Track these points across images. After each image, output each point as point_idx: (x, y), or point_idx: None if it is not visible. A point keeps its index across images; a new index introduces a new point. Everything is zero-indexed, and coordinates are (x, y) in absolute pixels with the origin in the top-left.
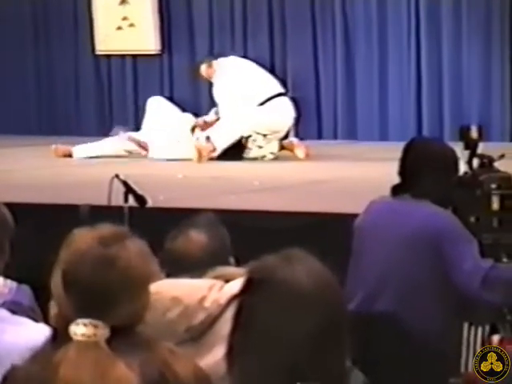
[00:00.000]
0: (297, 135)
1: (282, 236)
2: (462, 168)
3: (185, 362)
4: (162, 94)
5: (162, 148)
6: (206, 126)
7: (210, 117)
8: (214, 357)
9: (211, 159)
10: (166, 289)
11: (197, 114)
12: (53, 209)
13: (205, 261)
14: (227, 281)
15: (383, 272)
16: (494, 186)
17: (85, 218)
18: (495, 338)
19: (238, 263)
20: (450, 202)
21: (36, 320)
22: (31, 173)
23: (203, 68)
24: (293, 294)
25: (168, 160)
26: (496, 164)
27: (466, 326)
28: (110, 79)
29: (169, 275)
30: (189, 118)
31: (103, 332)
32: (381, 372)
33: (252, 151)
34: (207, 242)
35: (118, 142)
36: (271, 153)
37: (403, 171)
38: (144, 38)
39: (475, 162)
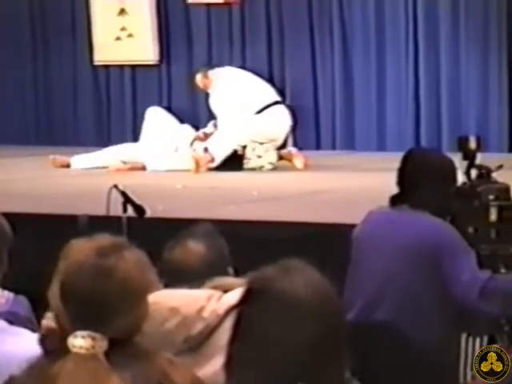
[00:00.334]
0: (295, 145)
1: (280, 246)
2: (460, 178)
3: (183, 372)
4: (160, 104)
5: (161, 158)
6: (206, 138)
7: (209, 129)
8: (212, 367)
9: (210, 169)
10: (164, 299)
11: (195, 126)
12: (51, 219)
13: (203, 271)
14: (226, 291)
15: (381, 282)
16: (491, 197)
17: (83, 228)
18: None
19: (237, 273)
20: (448, 213)
21: (33, 330)
22: (29, 183)
23: (198, 78)
24: (291, 304)
25: (166, 170)
26: (494, 175)
27: (463, 336)
28: (108, 89)
29: (167, 285)
30: (187, 129)
31: (101, 344)
32: (379, 383)
33: (251, 161)
34: (205, 253)
35: (115, 153)
36: (270, 163)
37: (401, 181)
38: (142, 48)
39: (473, 173)
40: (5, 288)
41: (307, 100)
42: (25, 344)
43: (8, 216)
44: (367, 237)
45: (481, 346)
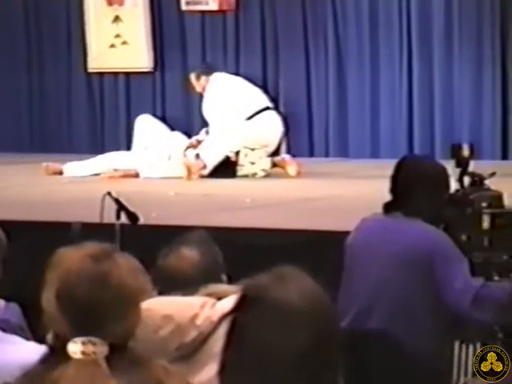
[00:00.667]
0: (288, 152)
1: (273, 253)
2: (453, 186)
3: (178, 379)
4: (154, 111)
5: (154, 166)
6: (199, 145)
7: (201, 136)
8: (206, 374)
9: (202, 177)
10: (158, 306)
11: (188, 133)
12: (44, 226)
13: (197, 278)
14: (219, 298)
15: (375, 290)
16: (484, 204)
17: (77, 236)
18: None
19: (230, 280)
20: (441, 220)
21: (25, 338)
22: (22, 190)
23: (192, 77)
24: (285, 312)
25: (159, 178)
26: (487, 182)
27: (457, 343)
28: (102, 97)
29: (161, 293)
30: (178, 137)
31: (102, 349)
32: None
33: (244, 168)
34: (199, 260)
35: (107, 161)
36: (263, 170)
37: (395, 189)
38: (137, 55)
39: (466, 180)
40: None
41: (301, 107)
42: (19, 352)
43: (1, 223)
44: (360, 244)
45: (474, 353)
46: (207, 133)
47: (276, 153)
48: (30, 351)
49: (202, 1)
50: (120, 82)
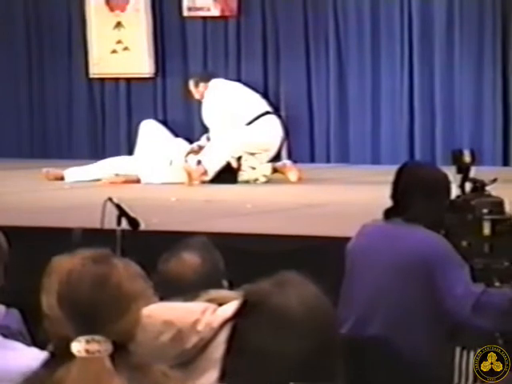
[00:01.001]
0: (289, 158)
1: (274, 259)
2: (455, 192)
3: None
4: (155, 117)
5: (155, 171)
6: (200, 151)
7: (203, 142)
8: (207, 380)
9: (203, 182)
10: (159, 312)
11: (189, 139)
12: (45, 232)
13: (198, 284)
14: (220, 304)
15: (374, 296)
16: (485, 210)
17: (77, 241)
18: None
19: (231, 286)
20: (441, 226)
21: (25, 343)
22: (23, 196)
23: (191, 84)
24: (286, 319)
25: (161, 183)
26: (488, 188)
27: (458, 350)
28: (103, 102)
29: (162, 298)
30: (181, 143)
31: (106, 348)
32: None
33: (245, 173)
34: (200, 265)
35: (108, 166)
36: (264, 175)
37: (395, 195)
38: (138, 61)
39: (467, 186)
40: None
41: (302, 113)
42: (19, 358)
43: (1, 229)
44: (361, 250)
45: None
46: (208, 139)
47: (277, 158)
48: (30, 357)
49: (204, 7)
50: (121, 87)
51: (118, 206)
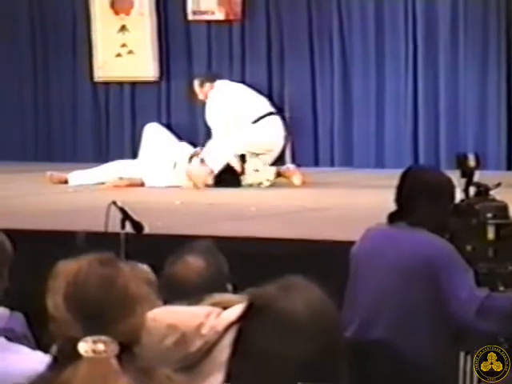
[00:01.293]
0: (293, 162)
1: (279, 263)
2: (459, 196)
3: None
4: (159, 120)
5: (159, 175)
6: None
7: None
8: None
9: (208, 186)
10: (163, 316)
11: (194, 143)
12: (49, 235)
13: (202, 287)
14: (225, 308)
15: (378, 299)
16: (489, 215)
17: (81, 245)
18: None
19: (236, 290)
20: (445, 231)
21: (30, 347)
22: (27, 199)
23: (196, 84)
24: (291, 322)
25: (165, 187)
26: (492, 192)
27: (462, 354)
28: (107, 106)
29: (166, 302)
30: (185, 146)
31: (113, 348)
32: None
33: (249, 177)
34: (205, 269)
35: (112, 169)
36: (267, 179)
37: (400, 199)
38: (143, 65)
39: (471, 191)
40: (0, 304)
41: (306, 117)
42: (23, 361)
43: (5, 232)
44: (365, 254)
45: None
46: None
47: (280, 160)
48: (34, 360)
49: (208, 10)
50: (125, 91)
51: (122, 210)
